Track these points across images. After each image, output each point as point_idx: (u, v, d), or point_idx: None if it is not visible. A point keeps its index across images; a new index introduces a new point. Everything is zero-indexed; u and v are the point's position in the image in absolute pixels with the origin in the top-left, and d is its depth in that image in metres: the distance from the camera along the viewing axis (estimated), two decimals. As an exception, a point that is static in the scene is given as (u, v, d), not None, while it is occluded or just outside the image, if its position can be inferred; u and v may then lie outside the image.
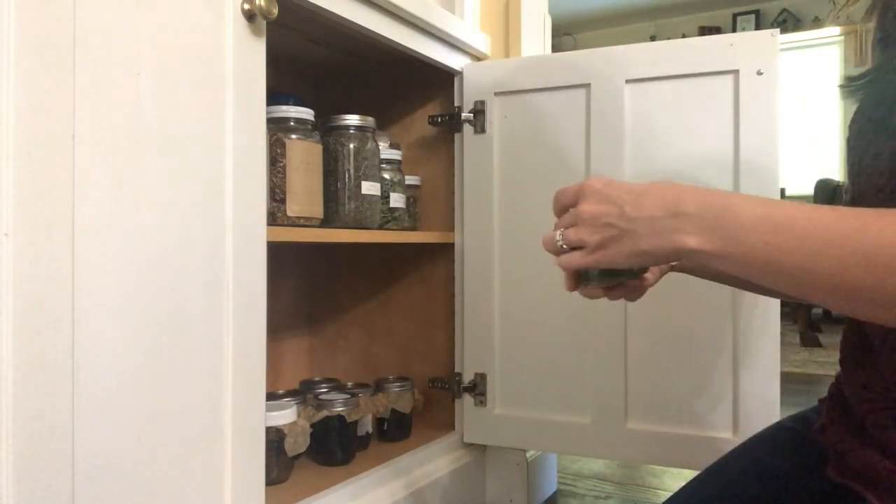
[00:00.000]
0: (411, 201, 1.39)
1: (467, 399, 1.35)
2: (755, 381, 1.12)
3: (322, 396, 1.23)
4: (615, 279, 0.64)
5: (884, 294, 0.43)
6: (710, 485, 0.71)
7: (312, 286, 1.59)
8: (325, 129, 1.16)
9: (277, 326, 1.49)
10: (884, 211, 0.45)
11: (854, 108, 0.70)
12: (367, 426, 1.27)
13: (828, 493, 0.62)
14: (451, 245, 1.39)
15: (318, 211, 1.08)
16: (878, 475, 0.55)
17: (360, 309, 1.55)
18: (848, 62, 5.17)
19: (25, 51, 0.58)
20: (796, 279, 0.46)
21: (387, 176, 1.29)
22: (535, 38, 1.49)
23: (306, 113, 1.07)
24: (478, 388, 1.34)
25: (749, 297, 1.13)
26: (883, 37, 0.65)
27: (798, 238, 0.45)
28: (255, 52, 0.80)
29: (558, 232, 0.56)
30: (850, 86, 0.68)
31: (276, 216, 1.02)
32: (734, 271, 0.48)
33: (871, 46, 0.68)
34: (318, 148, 1.09)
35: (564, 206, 0.58)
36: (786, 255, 0.45)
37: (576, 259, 0.55)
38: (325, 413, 1.18)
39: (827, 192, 3.81)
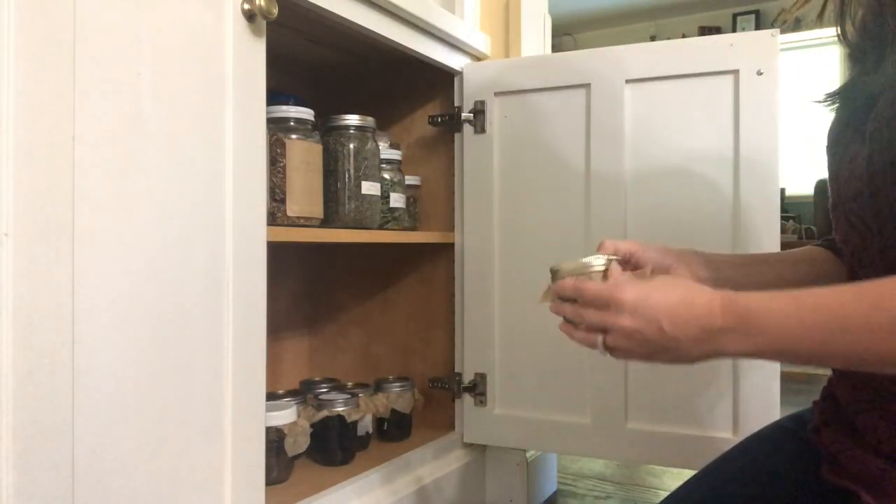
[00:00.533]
0: (411, 201, 1.39)
1: (467, 399, 1.35)
2: (755, 381, 1.12)
3: (322, 396, 1.23)
4: None
5: None
6: (707, 484, 0.72)
7: (312, 286, 1.59)
8: (325, 129, 1.16)
9: (277, 326, 1.49)
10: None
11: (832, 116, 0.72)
12: (367, 426, 1.27)
13: (824, 492, 0.62)
14: (451, 245, 1.39)
15: (318, 211, 1.08)
16: (872, 475, 0.55)
17: (360, 309, 1.55)
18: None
19: (25, 51, 0.58)
20: (834, 360, 0.50)
21: (387, 176, 1.29)
22: (535, 38, 1.49)
23: (306, 113, 1.07)
24: (478, 388, 1.33)
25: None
26: (849, 53, 0.68)
27: (826, 327, 0.49)
28: (255, 52, 0.80)
29: (599, 340, 0.58)
30: (827, 100, 0.71)
31: (276, 216, 1.02)
32: (778, 361, 0.51)
33: (841, 60, 0.72)
34: (318, 148, 1.09)
35: (589, 304, 0.58)
36: (818, 344, 0.49)
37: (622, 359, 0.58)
38: (325, 413, 1.18)
39: (827, 193, 3.79)
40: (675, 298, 0.54)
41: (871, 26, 0.64)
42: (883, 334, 0.47)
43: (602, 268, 0.64)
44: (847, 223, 0.63)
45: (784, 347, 0.51)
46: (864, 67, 0.66)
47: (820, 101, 0.73)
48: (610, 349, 0.57)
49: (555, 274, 0.65)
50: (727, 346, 0.53)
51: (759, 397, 1.11)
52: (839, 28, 0.68)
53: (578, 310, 0.59)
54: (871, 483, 0.55)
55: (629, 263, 0.70)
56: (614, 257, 0.66)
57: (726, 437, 1.13)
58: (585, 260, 0.66)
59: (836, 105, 0.70)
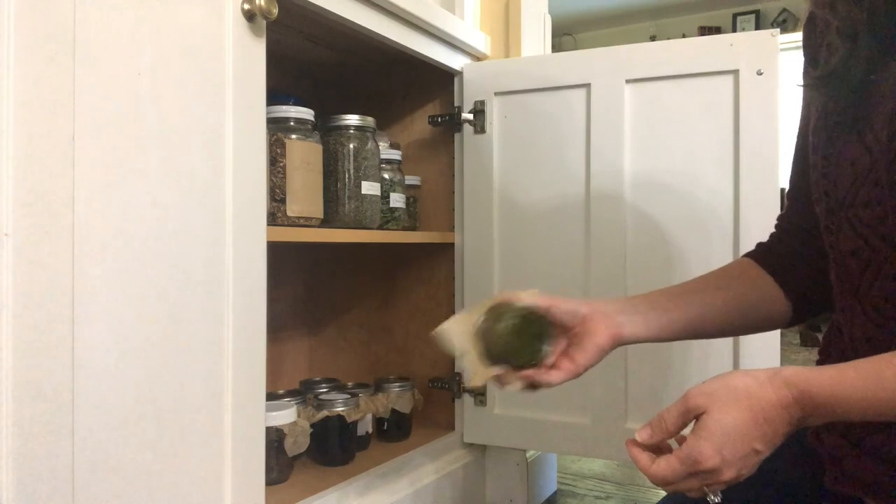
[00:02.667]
0: (411, 201, 1.39)
1: (467, 399, 1.35)
2: (755, 381, 1.12)
3: (322, 396, 1.23)
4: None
5: None
6: None
7: (312, 286, 1.59)
8: (325, 129, 1.16)
9: (277, 326, 1.49)
10: None
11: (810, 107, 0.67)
12: (367, 426, 1.27)
13: (823, 496, 0.62)
14: (451, 245, 1.39)
15: (318, 211, 1.08)
16: (878, 481, 0.55)
17: (360, 309, 1.55)
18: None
19: (25, 51, 0.58)
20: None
21: (387, 176, 1.29)
22: (535, 38, 1.49)
23: (306, 113, 1.07)
24: (478, 388, 1.33)
25: (749, 297, 1.13)
26: (837, 27, 0.62)
27: (889, 399, 0.49)
28: (255, 52, 0.80)
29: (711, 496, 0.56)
30: (814, 83, 0.67)
31: (276, 216, 1.02)
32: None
33: (831, 35, 0.64)
34: (318, 148, 1.09)
35: (676, 478, 0.56)
36: (884, 410, 0.50)
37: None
38: (325, 413, 1.18)
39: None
40: (749, 421, 0.52)
41: None
42: None
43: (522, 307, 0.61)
44: (853, 231, 0.60)
45: (861, 415, 0.51)
46: (854, 47, 0.60)
47: (806, 85, 0.69)
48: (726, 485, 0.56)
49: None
50: (809, 423, 0.53)
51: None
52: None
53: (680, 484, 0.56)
54: (877, 489, 0.54)
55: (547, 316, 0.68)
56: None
57: (726, 437, 1.13)
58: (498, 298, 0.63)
59: (822, 91, 0.65)
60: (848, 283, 0.62)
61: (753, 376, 0.53)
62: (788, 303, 0.73)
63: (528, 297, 0.65)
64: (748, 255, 0.77)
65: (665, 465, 0.54)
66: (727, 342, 1.14)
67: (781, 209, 0.81)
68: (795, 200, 0.75)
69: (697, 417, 0.53)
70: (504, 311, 0.64)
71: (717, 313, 0.72)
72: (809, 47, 0.69)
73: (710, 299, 0.72)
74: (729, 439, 0.51)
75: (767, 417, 0.51)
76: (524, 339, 0.62)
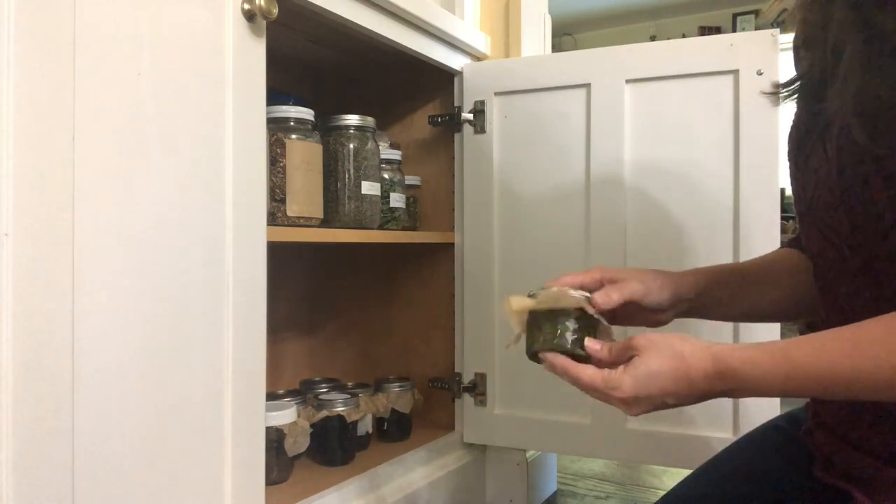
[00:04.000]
0: (411, 201, 1.39)
1: (467, 399, 1.35)
2: (755, 381, 1.12)
3: (322, 396, 1.23)
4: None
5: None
6: (702, 484, 0.72)
7: (313, 286, 1.59)
8: (325, 129, 1.16)
9: (277, 326, 1.49)
10: (851, 332, 0.51)
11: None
12: (367, 426, 1.27)
13: (817, 491, 0.62)
14: (451, 245, 1.39)
15: (318, 211, 1.08)
16: (865, 473, 0.55)
17: (360, 309, 1.55)
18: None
19: (25, 52, 0.58)
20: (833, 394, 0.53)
21: (387, 176, 1.29)
22: (535, 38, 1.49)
23: (306, 113, 1.07)
24: (478, 388, 1.33)
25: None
26: (803, 39, 0.66)
27: (810, 381, 0.52)
28: (255, 52, 0.80)
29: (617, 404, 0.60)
30: (783, 92, 0.70)
31: (276, 216, 1.02)
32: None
33: (800, 46, 0.68)
34: (318, 148, 1.09)
35: (595, 392, 0.61)
36: (810, 391, 0.53)
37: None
38: (325, 413, 1.18)
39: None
40: (670, 374, 0.57)
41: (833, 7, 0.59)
42: (866, 380, 0.50)
43: (576, 304, 0.65)
44: (820, 235, 0.63)
45: (772, 394, 0.54)
46: (816, 58, 0.63)
47: (774, 93, 0.72)
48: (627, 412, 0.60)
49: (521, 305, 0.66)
50: (729, 396, 0.56)
51: (759, 397, 1.11)
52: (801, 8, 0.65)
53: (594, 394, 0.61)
54: (864, 482, 0.55)
55: (603, 284, 0.70)
56: (586, 294, 0.66)
57: (726, 437, 1.13)
58: (557, 291, 0.66)
59: (795, 98, 0.68)
60: (821, 280, 0.65)
61: (691, 343, 0.58)
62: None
63: (580, 295, 0.67)
64: (791, 246, 0.78)
65: (589, 374, 0.60)
66: (727, 342, 1.14)
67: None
68: None
69: (632, 357, 0.59)
70: (559, 304, 0.66)
71: (765, 312, 0.77)
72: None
73: (771, 293, 0.76)
74: (647, 382, 0.57)
75: (686, 378, 0.56)
76: (571, 339, 0.65)
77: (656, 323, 0.74)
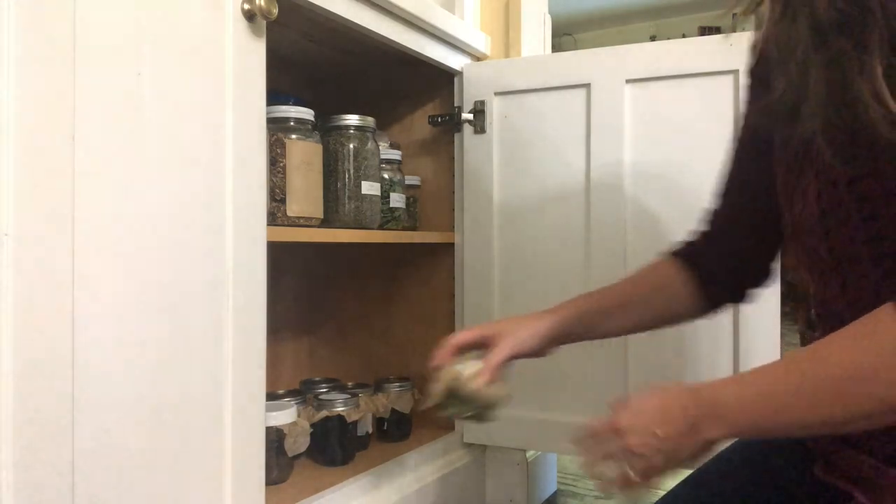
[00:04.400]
0: (411, 201, 1.39)
1: (467, 399, 1.35)
2: (755, 381, 1.12)
3: (322, 396, 1.23)
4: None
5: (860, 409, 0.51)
6: (702, 483, 0.72)
7: (312, 286, 1.59)
8: (324, 129, 1.16)
9: (277, 326, 1.49)
10: (828, 344, 0.54)
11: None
12: (367, 426, 1.27)
13: (818, 491, 0.63)
14: (451, 245, 1.39)
15: (317, 211, 1.08)
16: (865, 474, 0.56)
17: (360, 309, 1.55)
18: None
19: (26, 51, 0.58)
20: (797, 427, 0.54)
21: (387, 176, 1.29)
22: (535, 38, 1.49)
23: (306, 113, 1.07)
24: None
25: (749, 297, 1.13)
26: (781, 64, 0.66)
27: (777, 402, 0.55)
28: (255, 52, 0.80)
29: (626, 468, 0.62)
30: (759, 114, 0.72)
31: (276, 216, 1.02)
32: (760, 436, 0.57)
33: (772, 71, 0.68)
34: (318, 148, 1.09)
35: (597, 436, 0.64)
36: (778, 415, 0.55)
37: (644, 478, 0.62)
38: (325, 413, 1.18)
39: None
40: (656, 407, 0.60)
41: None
42: (809, 400, 0.53)
43: (475, 371, 0.81)
44: (808, 257, 0.65)
45: (751, 423, 0.56)
46: (788, 84, 0.64)
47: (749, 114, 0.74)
48: (636, 471, 0.61)
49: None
50: (710, 431, 0.57)
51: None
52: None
53: (598, 445, 0.64)
54: (864, 482, 0.55)
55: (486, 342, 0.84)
56: (477, 354, 0.81)
57: (726, 437, 1.13)
58: (459, 367, 0.83)
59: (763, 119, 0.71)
60: (818, 295, 0.68)
61: (673, 385, 0.62)
62: (705, 301, 0.81)
63: (474, 378, 0.82)
64: (675, 254, 0.84)
65: (594, 423, 0.64)
66: (727, 342, 1.14)
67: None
68: (732, 193, 0.81)
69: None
70: (457, 390, 0.84)
71: (633, 327, 0.85)
72: (756, 76, 0.77)
73: (632, 318, 0.83)
74: (639, 412, 0.61)
75: (667, 407, 0.59)
76: (470, 409, 0.85)
77: (536, 356, 0.85)
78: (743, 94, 0.79)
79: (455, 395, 0.84)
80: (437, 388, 0.85)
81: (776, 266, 0.81)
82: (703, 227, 0.83)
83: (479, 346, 0.85)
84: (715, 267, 0.80)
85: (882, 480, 0.55)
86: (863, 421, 0.52)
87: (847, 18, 0.52)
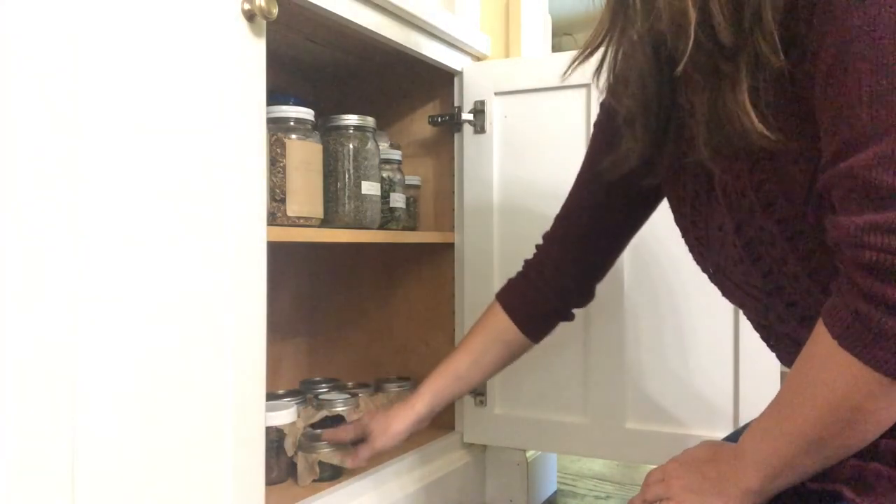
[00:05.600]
0: (411, 201, 1.39)
1: (467, 399, 1.35)
2: (755, 381, 1.12)
3: (322, 396, 1.23)
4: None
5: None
6: None
7: (312, 286, 1.59)
8: (324, 129, 1.16)
9: (277, 326, 1.49)
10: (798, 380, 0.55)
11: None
12: (366, 426, 1.27)
13: (807, 493, 0.63)
14: (451, 245, 1.39)
15: (317, 211, 1.08)
16: (851, 473, 0.56)
17: (360, 309, 1.55)
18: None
19: (26, 52, 0.58)
20: (813, 458, 0.55)
21: (387, 176, 1.29)
22: (535, 38, 1.49)
23: (306, 113, 1.07)
24: (478, 388, 1.33)
25: (749, 297, 1.13)
26: (627, 117, 0.71)
27: (772, 430, 0.57)
28: (255, 52, 0.80)
29: None
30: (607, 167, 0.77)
31: (276, 216, 1.02)
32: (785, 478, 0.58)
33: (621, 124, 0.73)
34: (318, 148, 1.09)
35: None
36: (786, 451, 0.56)
37: None
38: (325, 413, 1.18)
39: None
40: (706, 453, 0.64)
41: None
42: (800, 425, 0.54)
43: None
44: (738, 290, 0.68)
45: (780, 459, 0.56)
46: (634, 137, 0.70)
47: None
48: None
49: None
50: (745, 480, 0.59)
51: (760, 397, 1.11)
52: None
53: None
54: (850, 480, 0.56)
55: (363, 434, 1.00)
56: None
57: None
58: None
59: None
60: (753, 321, 0.72)
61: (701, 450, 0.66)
62: (533, 336, 0.93)
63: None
64: (499, 296, 0.95)
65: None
66: (727, 342, 1.14)
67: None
68: (566, 219, 0.92)
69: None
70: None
71: (493, 373, 0.97)
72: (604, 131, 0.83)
73: (479, 374, 0.95)
74: (687, 456, 0.65)
75: (719, 459, 0.62)
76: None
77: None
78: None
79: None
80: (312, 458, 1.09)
81: (597, 286, 0.92)
82: (537, 252, 0.94)
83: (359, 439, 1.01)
84: (531, 307, 0.91)
85: (867, 476, 0.55)
86: (870, 436, 0.53)
87: (721, 48, 0.55)
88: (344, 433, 1.02)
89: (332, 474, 1.10)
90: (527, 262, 0.94)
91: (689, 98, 0.62)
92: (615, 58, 0.69)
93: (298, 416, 1.12)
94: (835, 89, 0.49)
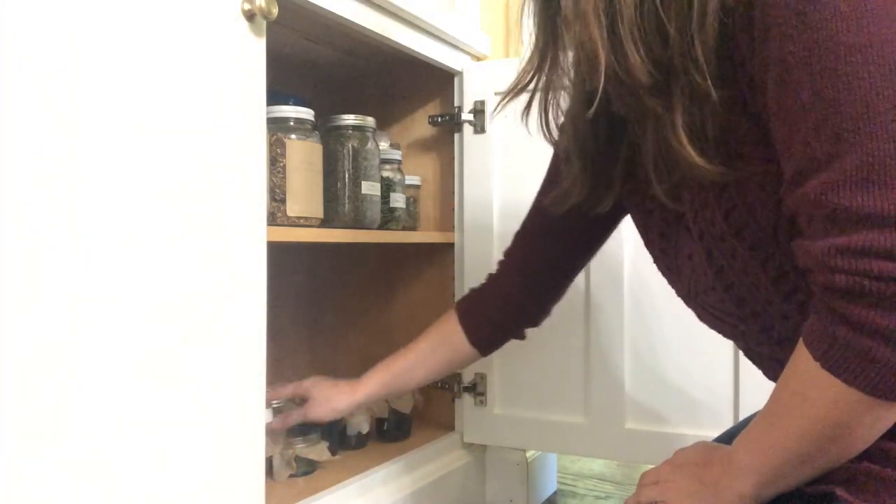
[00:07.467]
0: (411, 201, 1.39)
1: (467, 399, 1.35)
2: (755, 381, 1.12)
3: (322, 396, 1.23)
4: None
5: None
6: None
7: (313, 286, 1.59)
8: (324, 129, 1.16)
9: (277, 326, 1.49)
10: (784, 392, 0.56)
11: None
12: (366, 426, 1.27)
13: (800, 493, 0.63)
14: (451, 245, 1.39)
15: (317, 211, 1.08)
16: (844, 474, 0.56)
17: (360, 309, 1.55)
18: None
19: (26, 52, 0.58)
20: (803, 463, 0.56)
21: (387, 176, 1.29)
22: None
23: (306, 113, 1.07)
24: (478, 388, 1.33)
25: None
26: (565, 155, 0.75)
27: (761, 440, 0.58)
28: (255, 52, 0.80)
29: None
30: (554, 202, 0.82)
31: (276, 216, 1.02)
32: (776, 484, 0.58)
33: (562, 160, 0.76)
34: (318, 148, 1.09)
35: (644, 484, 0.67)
36: (771, 455, 0.57)
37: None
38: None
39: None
40: (700, 451, 0.66)
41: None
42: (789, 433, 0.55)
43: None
44: (711, 316, 0.69)
45: (769, 467, 0.57)
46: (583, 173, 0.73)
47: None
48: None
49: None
50: (726, 476, 0.60)
51: (759, 397, 1.11)
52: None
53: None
54: (842, 479, 0.56)
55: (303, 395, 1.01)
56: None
57: (726, 437, 1.13)
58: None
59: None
60: (739, 347, 0.73)
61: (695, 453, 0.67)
62: (481, 350, 0.95)
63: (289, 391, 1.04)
64: (458, 305, 0.96)
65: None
66: (727, 342, 1.14)
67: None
68: (524, 238, 0.93)
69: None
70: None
71: (433, 377, 0.98)
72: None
73: (423, 374, 0.97)
74: (681, 459, 0.66)
75: (713, 463, 0.62)
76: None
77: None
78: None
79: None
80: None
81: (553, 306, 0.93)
82: (499, 269, 0.94)
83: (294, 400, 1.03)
84: (485, 322, 0.93)
85: (859, 475, 0.56)
86: (855, 451, 0.54)
87: (656, 82, 0.55)
88: (284, 391, 1.02)
89: (307, 469, 1.13)
90: (490, 276, 0.95)
91: (637, 137, 0.62)
92: (546, 98, 0.71)
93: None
94: (780, 118, 0.50)
